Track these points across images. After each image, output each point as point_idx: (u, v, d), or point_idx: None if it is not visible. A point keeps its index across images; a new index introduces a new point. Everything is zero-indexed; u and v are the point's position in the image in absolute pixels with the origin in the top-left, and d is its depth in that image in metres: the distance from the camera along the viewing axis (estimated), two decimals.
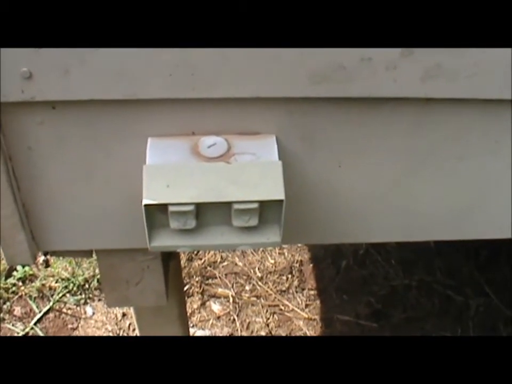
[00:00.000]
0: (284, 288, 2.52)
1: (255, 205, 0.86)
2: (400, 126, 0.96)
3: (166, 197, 0.85)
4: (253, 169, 0.88)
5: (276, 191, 0.86)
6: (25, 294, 2.45)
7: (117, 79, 0.85)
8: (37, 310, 2.40)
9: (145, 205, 0.85)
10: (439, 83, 0.88)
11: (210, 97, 0.87)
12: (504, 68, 0.87)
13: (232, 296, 2.48)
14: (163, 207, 0.86)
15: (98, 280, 2.44)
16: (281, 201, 0.86)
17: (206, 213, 0.89)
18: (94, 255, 1.14)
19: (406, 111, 0.94)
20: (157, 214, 0.88)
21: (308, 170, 0.98)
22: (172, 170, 0.87)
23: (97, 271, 2.33)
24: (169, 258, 1.25)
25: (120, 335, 2.33)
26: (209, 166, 0.88)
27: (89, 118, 0.91)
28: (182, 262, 2.56)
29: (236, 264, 2.61)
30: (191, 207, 0.85)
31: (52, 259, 2.54)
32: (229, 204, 0.86)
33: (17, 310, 2.40)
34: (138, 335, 1.48)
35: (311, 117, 0.92)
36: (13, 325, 2.34)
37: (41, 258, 2.56)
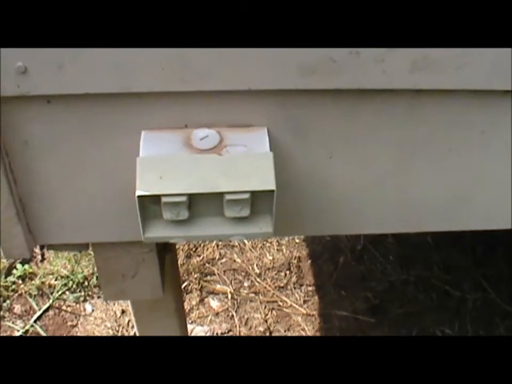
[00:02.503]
0: (282, 284, 2.53)
1: (247, 195, 0.87)
2: (391, 117, 0.97)
3: (159, 188, 0.86)
4: (244, 161, 0.89)
5: (267, 182, 0.87)
6: (25, 292, 2.46)
7: (110, 72, 0.86)
8: (36, 308, 2.41)
9: (139, 196, 0.86)
10: (428, 74, 0.89)
11: (202, 90, 0.88)
12: (492, 58, 0.88)
13: (230, 292, 2.49)
14: (156, 199, 0.87)
15: (97, 278, 2.45)
16: (272, 191, 0.87)
17: (199, 204, 0.90)
18: (90, 249, 1.16)
19: (397, 103, 0.95)
20: (150, 205, 0.89)
21: (299, 162, 0.99)
22: (165, 162, 0.89)
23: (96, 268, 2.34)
24: (164, 251, 1.26)
25: (120, 331, 2.34)
26: (202, 157, 0.89)
27: (84, 111, 0.92)
28: (180, 259, 2.57)
29: (234, 260, 2.62)
30: (183, 198, 0.86)
31: (50, 256, 2.56)
32: (221, 195, 0.87)
33: (17, 308, 2.41)
34: (136, 330, 1.49)
35: (302, 109, 0.93)
36: (13, 323, 2.35)
37: (39, 256, 2.58)
